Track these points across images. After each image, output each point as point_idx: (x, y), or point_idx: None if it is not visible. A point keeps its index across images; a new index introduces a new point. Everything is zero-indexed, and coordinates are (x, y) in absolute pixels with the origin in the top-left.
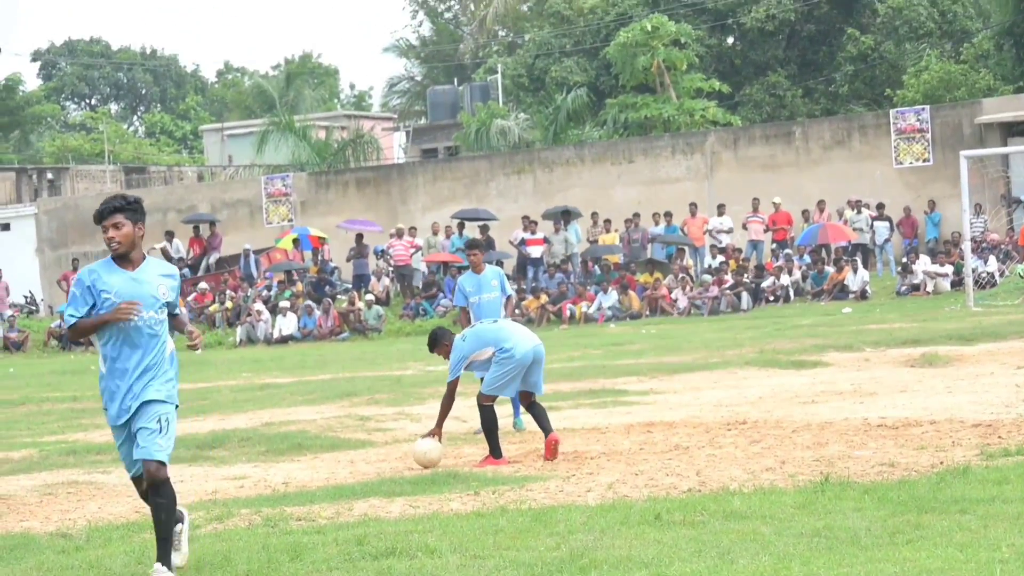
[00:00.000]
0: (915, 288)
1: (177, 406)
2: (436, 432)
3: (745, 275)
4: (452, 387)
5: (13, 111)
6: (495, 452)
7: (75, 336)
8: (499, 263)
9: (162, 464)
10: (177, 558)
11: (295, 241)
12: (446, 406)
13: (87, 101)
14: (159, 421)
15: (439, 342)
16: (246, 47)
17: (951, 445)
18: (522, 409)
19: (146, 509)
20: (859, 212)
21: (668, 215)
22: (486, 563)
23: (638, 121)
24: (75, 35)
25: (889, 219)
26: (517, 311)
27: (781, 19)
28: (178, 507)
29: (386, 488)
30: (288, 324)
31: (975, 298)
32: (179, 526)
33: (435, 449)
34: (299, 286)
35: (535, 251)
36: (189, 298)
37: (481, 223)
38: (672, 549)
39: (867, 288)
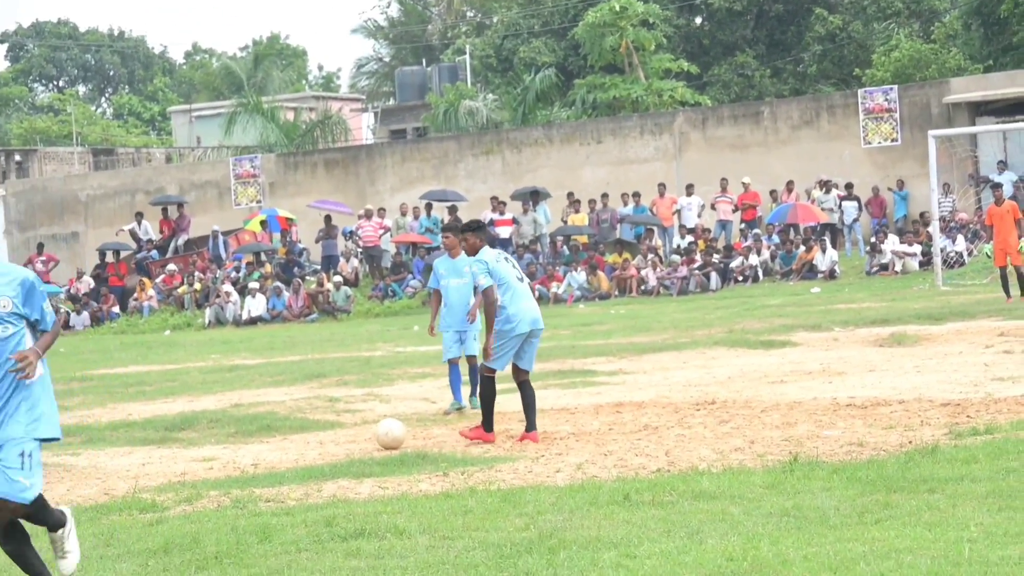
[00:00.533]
0: (884, 268)
1: (49, 440)
2: (488, 346)
3: (714, 255)
4: (490, 293)
5: None
6: (487, 425)
7: None
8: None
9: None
10: (66, 565)
11: (263, 223)
12: (490, 315)
13: (55, 83)
14: (21, 456)
15: (476, 233)
16: (214, 28)
17: (920, 424)
18: (466, 391)
19: (115, 490)
20: (828, 192)
21: (637, 195)
22: (455, 544)
23: (607, 101)
24: (43, 16)
25: (857, 199)
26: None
27: None
28: (57, 507)
29: (355, 469)
30: (257, 305)
31: (943, 277)
32: (61, 531)
33: (396, 428)
34: (268, 267)
35: (504, 232)
36: (158, 280)
37: (450, 204)
38: (641, 529)
39: (836, 268)
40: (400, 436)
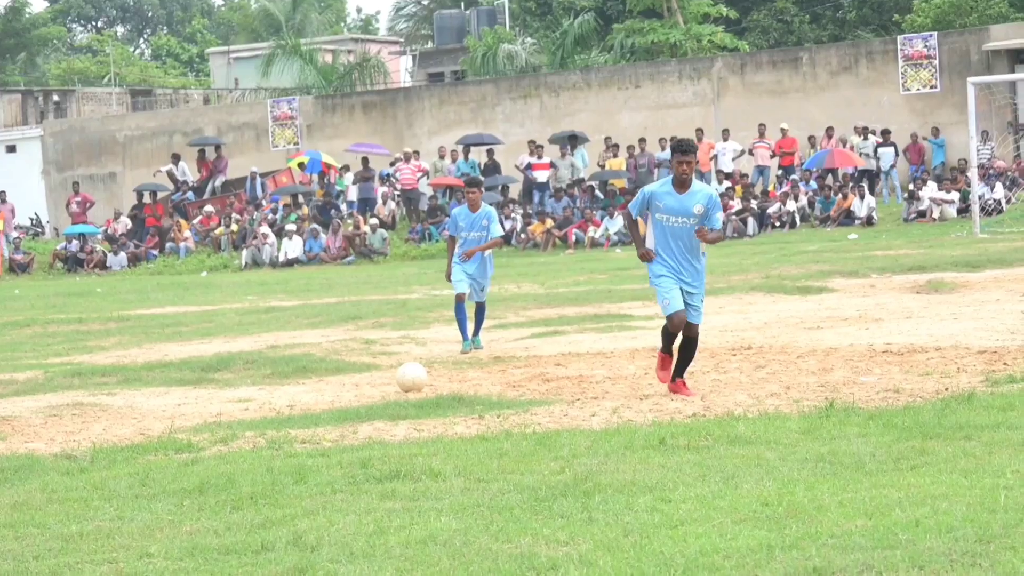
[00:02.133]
0: (921, 215)
1: None
2: (645, 252)
3: (751, 201)
4: (627, 216)
5: (19, 33)
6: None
7: None
8: (505, 188)
9: None
10: None
11: (302, 165)
12: (635, 234)
13: (93, 23)
14: None
15: (693, 152)
16: None
17: (956, 371)
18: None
19: (151, 430)
20: (865, 139)
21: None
22: (490, 486)
23: (645, 46)
24: None
25: (894, 145)
26: (523, 235)
27: None
28: None
29: (390, 411)
30: (294, 247)
31: (981, 225)
32: None
33: (417, 371)
34: (305, 209)
35: (541, 176)
36: (195, 221)
37: (487, 147)
38: (676, 474)
39: (873, 214)
40: (422, 378)
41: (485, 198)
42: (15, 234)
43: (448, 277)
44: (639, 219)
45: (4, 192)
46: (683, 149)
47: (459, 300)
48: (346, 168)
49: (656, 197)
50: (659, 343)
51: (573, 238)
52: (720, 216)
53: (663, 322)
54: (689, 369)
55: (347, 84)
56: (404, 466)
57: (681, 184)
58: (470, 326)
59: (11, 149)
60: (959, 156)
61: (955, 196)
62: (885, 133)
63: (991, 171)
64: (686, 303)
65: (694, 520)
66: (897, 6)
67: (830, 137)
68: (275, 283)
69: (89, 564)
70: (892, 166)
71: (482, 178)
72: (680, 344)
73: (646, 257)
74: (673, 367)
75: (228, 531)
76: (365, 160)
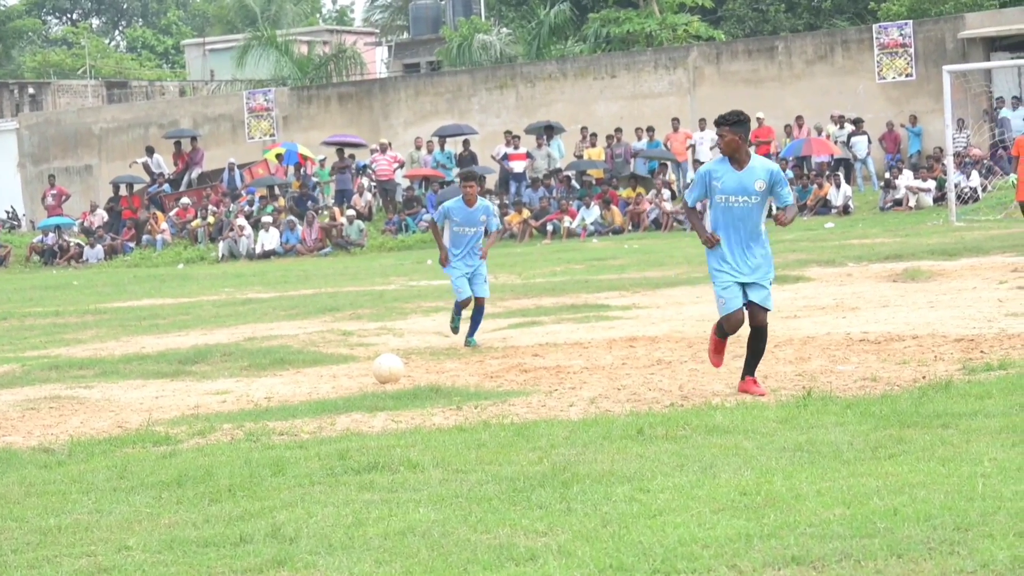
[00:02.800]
0: (898, 203)
1: None
2: (708, 237)
3: None
4: (684, 206)
5: None
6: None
7: None
8: (481, 178)
9: None
10: None
11: (279, 156)
12: (695, 221)
13: (68, 16)
14: None
15: (735, 124)
16: None
17: (933, 360)
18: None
19: (128, 423)
20: (841, 127)
21: (651, 130)
22: (468, 477)
23: (620, 36)
24: None
25: (867, 133)
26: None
27: None
28: None
29: (368, 403)
30: (270, 239)
31: (957, 213)
32: None
33: (390, 362)
34: (281, 201)
35: (517, 166)
36: (171, 213)
37: (463, 138)
38: (654, 463)
39: (850, 203)
40: (399, 369)
41: (453, 191)
42: None
43: (443, 261)
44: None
45: None
46: (721, 121)
47: (463, 306)
48: (324, 162)
49: (713, 175)
50: (635, 333)
51: (550, 228)
52: (788, 191)
53: (646, 313)
54: (666, 359)
55: (323, 75)
56: (382, 457)
57: (735, 160)
58: (465, 326)
59: None
60: (935, 144)
61: (931, 184)
62: (857, 122)
63: (967, 159)
64: (754, 284)
65: (672, 510)
66: None
67: (800, 126)
68: (252, 275)
69: (68, 557)
70: (867, 154)
71: (477, 171)
72: (749, 336)
73: (710, 242)
74: (744, 364)
75: (207, 523)
76: (340, 151)
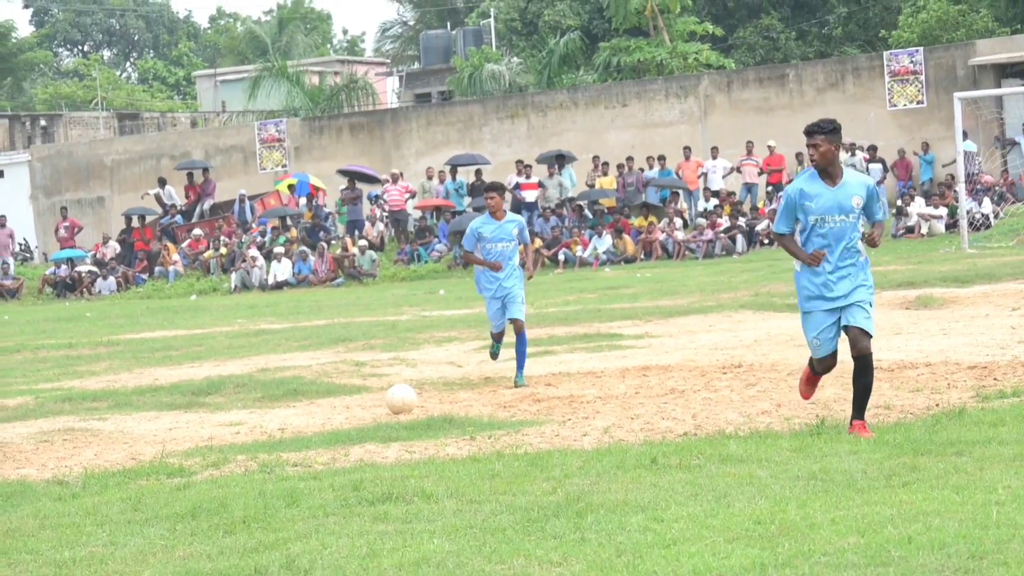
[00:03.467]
0: (910, 230)
1: None
2: (813, 256)
3: (740, 218)
4: (777, 236)
5: (6, 58)
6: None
7: None
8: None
9: None
10: None
11: (291, 186)
12: (790, 246)
13: (80, 48)
14: None
15: (827, 132)
16: None
17: (947, 387)
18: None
19: (142, 455)
20: (853, 155)
21: (662, 159)
22: (482, 508)
23: (631, 65)
24: None
25: (882, 161)
26: None
27: None
28: None
29: (382, 433)
30: (283, 270)
31: (970, 240)
32: None
33: (402, 392)
34: (293, 232)
35: (529, 195)
36: (184, 244)
37: (475, 168)
38: (668, 493)
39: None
40: (412, 400)
41: (467, 218)
42: (8, 259)
43: (495, 268)
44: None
45: (4, 217)
46: (814, 129)
47: (498, 340)
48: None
49: (804, 196)
50: (648, 362)
51: (562, 257)
52: (882, 204)
53: (658, 342)
54: (680, 388)
55: (334, 106)
56: (396, 488)
57: (827, 174)
58: (505, 354)
59: None
60: (946, 171)
61: (943, 211)
62: (872, 149)
63: (979, 186)
64: (852, 306)
65: (687, 539)
66: (883, 22)
67: None
68: (265, 306)
69: None
70: (879, 182)
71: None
72: (853, 371)
73: (816, 259)
74: (852, 405)
75: (221, 555)
76: (352, 180)
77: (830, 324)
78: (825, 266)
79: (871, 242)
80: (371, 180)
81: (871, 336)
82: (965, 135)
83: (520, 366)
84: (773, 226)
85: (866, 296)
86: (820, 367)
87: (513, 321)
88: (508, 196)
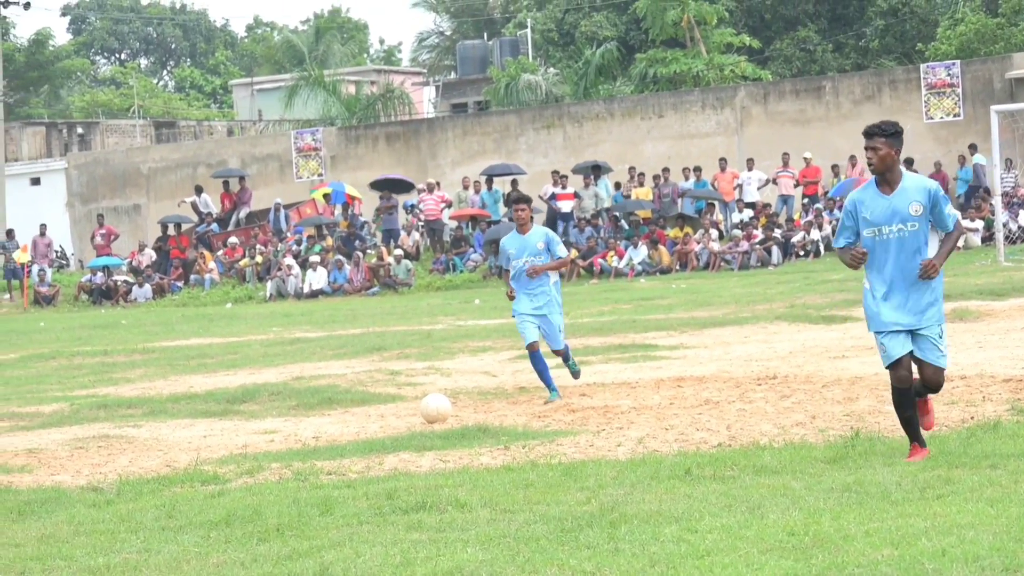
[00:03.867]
0: None
1: None
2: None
3: (775, 230)
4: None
5: (43, 66)
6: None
7: None
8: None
9: None
10: None
11: (327, 196)
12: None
13: (117, 56)
14: None
15: (887, 135)
16: (275, 1)
17: (981, 400)
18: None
19: (177, 462)
20: None
21: (698, 170)
22: (516, 517)
23: (668, 76)
24: None
25: (918, 173)
26: None
27: None
28: None
29: (416, 442)
30: (318, 279)
31: (1006, 253)
32: None
33: (437, 401)
34: (329, 240)
35: (565, 206)
36: (219, 253)
37: (511, 178)
38: (702, 504)
39: None
40: (446, 409)
41: (505, 227)
42: (41, 266)
43: (509, 296)
44: (846, 245)
45: (45, 225)
46: (874, 131)
47: (532, 350)
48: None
49: (861, 205)
50: (683, 373)
51: (598, 268)
52: (950, 210)
53: (693, 353)
54: (714, 399)
55: (371, 115)
56: (430, 497)
57: (885, 181)
58: (552, 372)
59: (35, 182)
60: (982, 185)
61: (979, 224)
62: (908, 162)
63: (1015, 199)
64: (921, 334)
65: (720, 550)
66: (920, 35)
67: (854, 165)
68: (300, 314)
69: None
70: None
71: (528, 196)
72: (918, 392)
73: (855, 258)
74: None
75: (255, 563)
76: (390, 192)
77: (898, 328)
78: (892, 280)
79: (925, 273)
80: (406, 188)
81: (942, 369)
82: (973, 148)
83: (567, 360)
84: (835, 241)
85: (936, 320)
86: (896, 379)
87: (556, 351)
88: (544, 207)
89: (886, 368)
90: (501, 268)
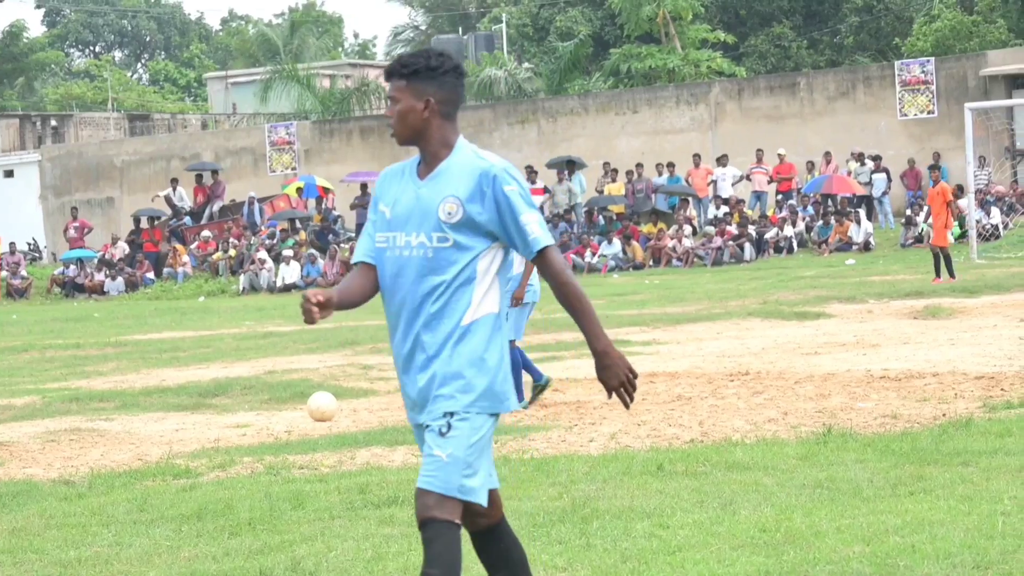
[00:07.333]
0: (919, 240)
1: None
2: None
3: (748, 226)
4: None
5: (17, 58)
6: None
7: None
8: None
9: None
10: None
11: (299, 189)
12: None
13: (91, 48)
14: None
15: None
16: None
17: (954, 397)
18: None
19: (149, 456)
20: (863, 164)
21: (672, 166)
22: None
23: (642, 71)
24: None
25: (886, 170)
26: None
27: None
28: None
29: (388, 437)
30: (291, 272)
31: (979, 250)
32: None
33: (319, 400)
34: (302, 234)
35: (536, 201)
36: (192, 246)
37: None
38: (674, 499)
39: (871, 240)
40: (330, 409)
41: None
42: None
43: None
44: None
45: (14, 243)
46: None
47: (511, 348)
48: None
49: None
50: (655, 368)
51: (571, 263)
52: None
53: (666, 348)
54: (687, 395)
55: (345, 109)
56: (402, 491)
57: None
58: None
59: (9, 174)
60: (956, 181)
61: (952, 222)
62: (876, 159)
63: (988, 196)
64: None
65: (692, 546)
66: (895, 31)
67: (828, 162)
68: (273, 308)
69: None
70: (884, 192)
71: None
72: None
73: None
74: None
75: (226, 557)
76: (363, 185)
77: None
78: None
79: None
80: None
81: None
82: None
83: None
84: None
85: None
86: None
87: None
88: None
89: None
90: None
